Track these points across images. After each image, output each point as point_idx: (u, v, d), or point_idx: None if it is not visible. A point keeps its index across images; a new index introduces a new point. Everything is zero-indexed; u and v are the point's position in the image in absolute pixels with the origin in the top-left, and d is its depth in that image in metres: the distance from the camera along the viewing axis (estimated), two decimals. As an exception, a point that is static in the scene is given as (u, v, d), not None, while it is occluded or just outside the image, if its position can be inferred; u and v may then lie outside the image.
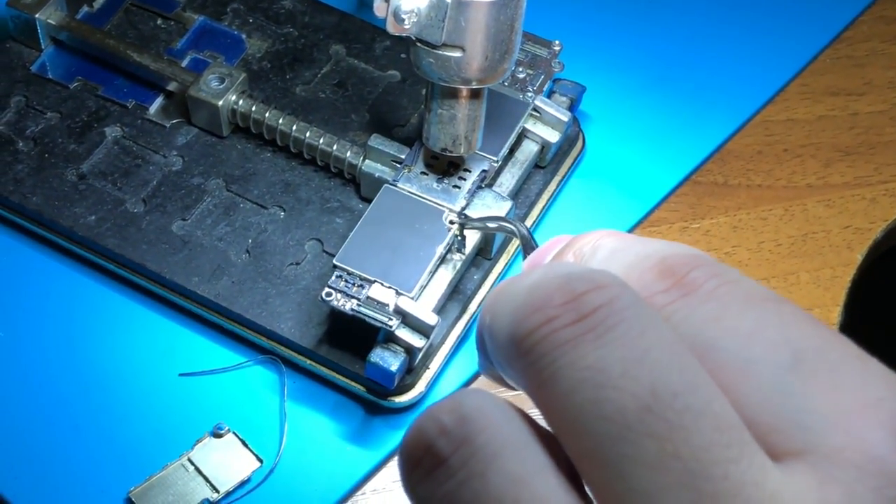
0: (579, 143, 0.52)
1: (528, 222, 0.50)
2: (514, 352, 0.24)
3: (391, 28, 0.41)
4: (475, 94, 0.44)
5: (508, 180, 0.49)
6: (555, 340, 0.23)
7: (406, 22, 0.40)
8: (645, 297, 0.24)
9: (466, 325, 0.47)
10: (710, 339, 0.23)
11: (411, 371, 0.45)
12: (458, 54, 0.42)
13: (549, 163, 0.50)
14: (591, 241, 0.28)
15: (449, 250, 0.45)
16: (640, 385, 0.22)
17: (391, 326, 0.43)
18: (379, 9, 0.41)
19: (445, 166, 0.47)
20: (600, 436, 0.22)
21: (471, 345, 0.47)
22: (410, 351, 0.43)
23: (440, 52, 0.42)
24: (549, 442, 0.23)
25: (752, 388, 0.22)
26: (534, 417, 0.24)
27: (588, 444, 0.22)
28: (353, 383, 0.45)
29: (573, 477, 0.23)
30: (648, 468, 0.21)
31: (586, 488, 0.23)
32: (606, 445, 0.22)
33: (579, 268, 0.24)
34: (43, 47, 0.53)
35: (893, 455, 0.21)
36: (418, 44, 0.42)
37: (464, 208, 0.46)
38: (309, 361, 0.46)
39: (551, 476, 0.23)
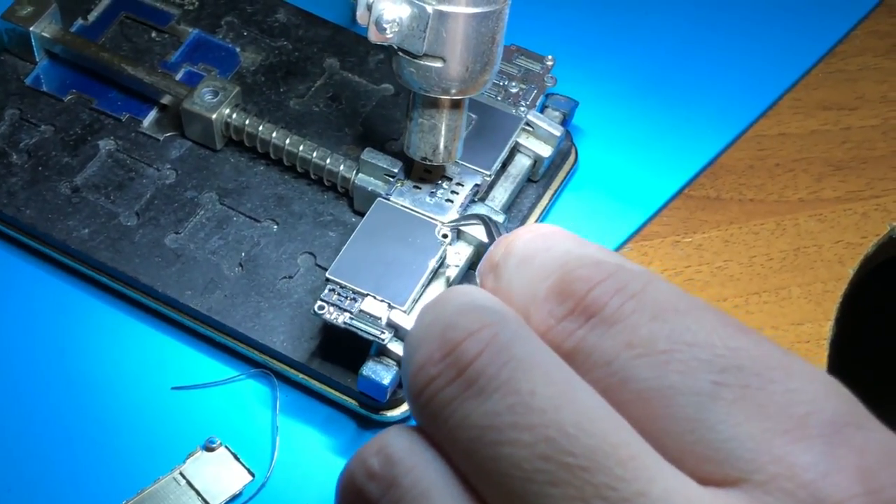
0: (572, 158, 0.52)
1: (521, 236, 0.50)
2: (412, 407, 0.24)
3: (373, 37, 0.42)
4: (456, 105, 0.44)
5: (501, 194, 0.49)
6: (440, 402, 0.23)
7: (388, 31, 0.41)
8: (547, 327, 0.24)
9: (459, 338, 0.47)
10: (624, 368, 0.23)
11: (403, 385, 0.45)
12: (438, 65, 0.42)
13: (541, 177, 0.51)
14: (505, 245, 0.26)
15: (442, 263, 0.45)
16: (532, 434, 0.21)
17: (383, 340, 0.43)
18: (361, 17, 0.42)
19: (438, 178, 0.47)
20: (505, 488, 0.22)
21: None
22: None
23: (421, 62, 0.42)
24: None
25: (676, 419, 0.22)
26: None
27: (496, 493, 0.22)
28: (345, 397, 0.46)
29: None
30: None
31: None
32: (513, 496, 0.21)
33: (459, 307, 0.23)
34: (37, 60, 0.53)
35: (823, 479, 0.21)
36: (400, 53, 0.42)
37: (452, 222, 0.46)
38: (301, 375, 0.46)
39: None
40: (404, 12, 0.41)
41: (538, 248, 0.25)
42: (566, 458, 0.21)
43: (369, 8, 0.42)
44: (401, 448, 0.24)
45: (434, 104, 0.44)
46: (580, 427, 0.21)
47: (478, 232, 0.46)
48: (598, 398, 0.22)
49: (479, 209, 0.47)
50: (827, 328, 0.49)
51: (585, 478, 0.21)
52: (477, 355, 0.23)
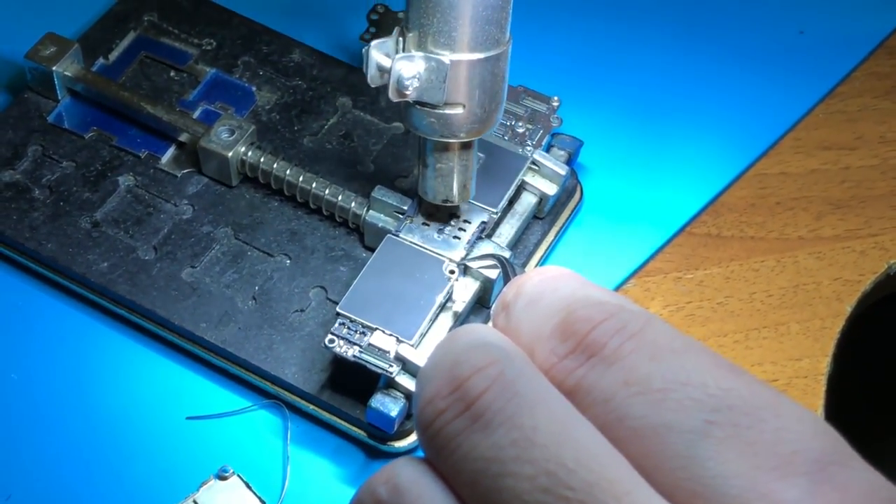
0: (577, 195, 0.53)
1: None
2: (420, 439, 0.25)
3: (394, 96, 0.42)
4: (467, 145, 0.45)
5: (507, 231, 0.50)
6: (447, 434, 0.24)
7: (409, 88, 0.42)
8: (550, 365, 0.25)
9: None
10: (621, 406, 0.24)
11: (411, 416, 0.46)
12: (458, 111, 0.43)
13: (547, 214, 0.52)
14: (516, 287, 0.28)
15: (449, 299, 0.47)
16: (534, 467, 0.23)
17: (392, 373, 0.44)
18: (373, 79, 0.43)
19: (446, 217, 0.48)
20: None
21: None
22: (410, 397, 0.45)
23: (441, 111, 0.43)
24: None
25: (668, 456, 0.23)
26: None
27: None
28: (354, 428, 0.47)
29: None
30: None
31: None
32: None
33: (467, 344, 0.25)
34: (59, 98, 0.55)
35: None
36: (417, 106, 0.43)
37: (464, 258, 0.47)
38: (312, 406, 0.47)
39: None
40: (421, 67, 0.42)
41: (546, 289, 0.27)
42: (565, 491, 0.22)
43: (381, 70, 0.42)
44: (408, 478, 0.25)
45: (448, 148, 0.45)
46: (579, 462, 0.22)
47: (492, 272, 0.47)
48: (597, 435, 0.23)
49: (486, 246, 0.48)
50: (825, 364, 0.50)
51: None
52: (483, 391, 0.24)
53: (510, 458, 0.23)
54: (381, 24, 0.57)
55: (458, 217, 0.48)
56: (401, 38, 0.43)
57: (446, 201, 0.47)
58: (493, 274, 0.47)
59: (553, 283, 0.27)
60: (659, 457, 0.23)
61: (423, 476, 0.25)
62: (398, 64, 0.42)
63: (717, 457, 0.23)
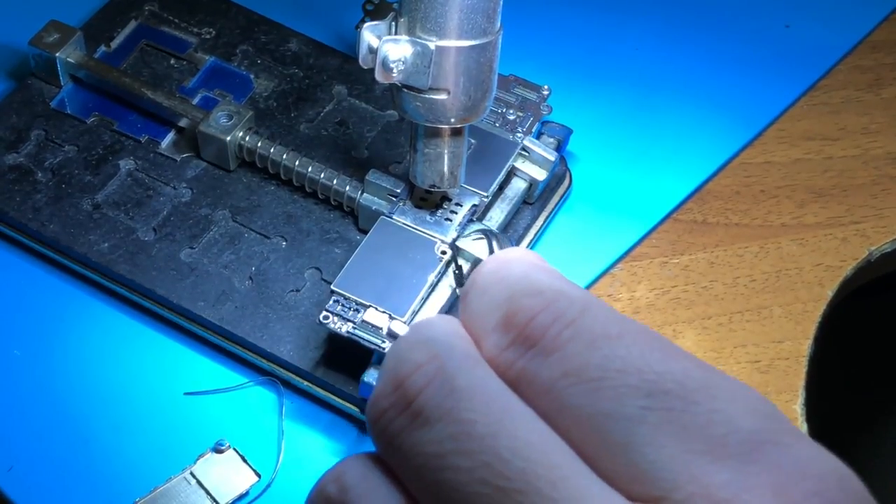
0: (566, 182, 0.54)
1: (517, 255, 0.52)
2: (371, 437, 0.26)
3: (380, 77, 0.44)
4: (457, 132, 0.47)
5: (498, 215, 0.52)
6: (391, 432, 0.25)
7: (394, 71, 0.43)
8: (493, 357, 0.25)
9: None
10: (561, 396, 0.24)
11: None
12: (443, 97, 0.45)
13: (536, 199, 0.53)
14: (473, 275, 0.28)
15: (440, 278, 0.48)
16: (471, 459, 0.23)
17: (384, 349, 0.45)
18: (364, 60, 0.44)
19: (438, 200, 0.50)
20: None
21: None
22: (402, 373, 0.46)
23: (426, 95, 0.44)
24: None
25: (607, 444, 0.24)
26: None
27: None
28: (347, 404, 0.48)
29: None
30: None
31: None
32: None
33: (410, 342, 0.25)
34: (62, 84, 0.56)
35: (736, 497, 0.23)
36: (404, 89, 0.45)
37: (455, 240, 0.48)
38: (306, 382, 0.49)
39: None
40: (407, 51, 0.44)
41: (493, 279, 0.27)
42: (502, 481, 0.23)
43: (372, 51, 0.44)
44: (354, 475, 0.26)
45: (437, 133, 0.46)
46: (515, 452, 0.23)
47: (483, 252, 0.48)
48: (536, 424, 0.24)
49: (476, 229, 0.49)
50: (806, 346, 0.52)
51: (519, 499, 0.23)
52: (422, 388, 0.24)
53: (449, 451, 0.24)
54: (377, 15, 0.58)
55: (449, 200, 0.50)
56: (394, 23, 0.44)
57: (434, 186, 0.48)
58: (484, 255, 0.48)
59: (501, 271, 0.27)
60: (599, 444, 0.24)
61: (370, 472, 0.26)
62: (385, 46, 0.43)
63: (652, 442, 0.23)
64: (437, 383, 0.24)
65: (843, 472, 0.24)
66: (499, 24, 0.44)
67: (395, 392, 0.25)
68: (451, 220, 0.49)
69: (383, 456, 0.26)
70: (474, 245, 0.48)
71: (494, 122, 0.53)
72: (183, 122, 0.55)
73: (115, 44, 0.58)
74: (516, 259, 0.27)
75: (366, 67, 0.44)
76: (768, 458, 0.23)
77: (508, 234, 0.52)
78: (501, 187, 0.52)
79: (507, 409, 0.24)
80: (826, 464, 0.24)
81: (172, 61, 0.58)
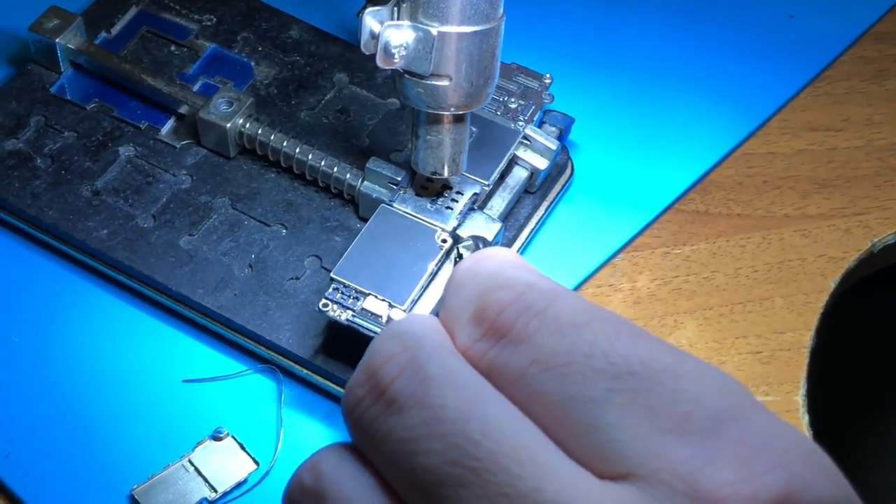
0: (568, 171, 0.54)
1: (517, 245, 0.52)
2: (347, 427, 0.27)
3: (381, 63, 0.44)
4: (459, 119, 0.46)
5: (499, 204, 0.52)
6: (366, 420, 0.26)
7: (396, 56, 0.43)
8: (467, 349, 0.26)
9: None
10: (531, 384, 0.25)
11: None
12: (445, 83, 0.44)
13: (538, 188, 0.53)
14: (452, 272, 0.29)
15: (440, 267, 0.48)
16: (442, 442, 0.24)
17: (383, 337, 0.45)
18: (366, 46, 0.44)
19: (439, 188, 0.49)
20: (421, 491, 0.25)
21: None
22: (401, 361, 0.46)
23: (428, 81, 0.44)
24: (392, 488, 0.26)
25: (575, 426, 0.25)
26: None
27: (415, 497, 0.25)
28: (346, 392, 0.48)
29: None
30: None
31: None
32: (429, 498, 0.24)
33: (385, 335, 0.27)
34: (62, 70, 0.56)
35: (699, 471, 0.23)
36: (406, 75, 0.44)
37: (455, 228, 0.48)
38: (305, 370, 0.48)
39: None
40: (409, 36, 0.43)
41: (468, 276, 0.28)
42: (472, 462, 0.24)
43: (373, 36, 0.44)
44: (329, 464, 0.27)
45: (439, 120, 0.46)
46: (484, 433, 0.24)
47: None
48: (506, 408, 0.25)
49: (477, 216, 0.49)
50: (808, 338, 0.52)
51: (488, 478, 0.24)
52: (395, 377, 0.25)
53: (421, 436, 0.24)
54: (379, 1, 0.57)
55: (450, 188, 0.49)
56: (396, 8, 0.44)
57: (435, 173, 0.48)
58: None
59: (475, 268, 0.28)
60: (568, 427, 0.25)
61: (344, 461, 0.26)
62: (387, 31, 0.43)
63: (617, 422, 0.24)
64: (409, 372, 0.25)
65: (809, 447, 0.24)
66: (502, 11, 0.44)
67: (368, 381, 0.26)
68: (451, 209, 0.49)
69: (358, 445, 0.26)
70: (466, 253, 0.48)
71: (496, 111, 0.53)
72: (183, 109, 0.54)
73: (115, 30, 0.58)
74: (491, 256, 0.28)
75: (367, 53, 0.44)
76: (732, 432, 0.24)
77: (509, 223, 0.52)
78: (503, 176, 0.52)
79: (478, 394, 0.25)
80: (791, 438, 0.24)
81: (173, 48, 0.57)
